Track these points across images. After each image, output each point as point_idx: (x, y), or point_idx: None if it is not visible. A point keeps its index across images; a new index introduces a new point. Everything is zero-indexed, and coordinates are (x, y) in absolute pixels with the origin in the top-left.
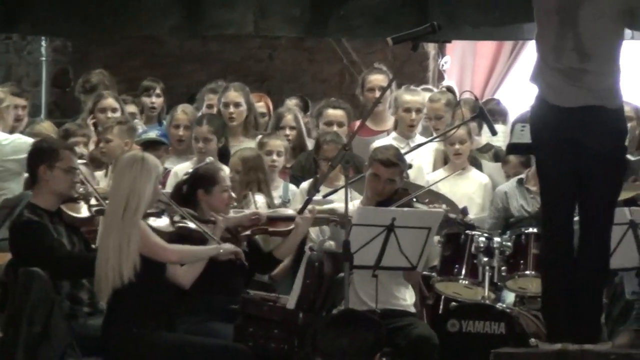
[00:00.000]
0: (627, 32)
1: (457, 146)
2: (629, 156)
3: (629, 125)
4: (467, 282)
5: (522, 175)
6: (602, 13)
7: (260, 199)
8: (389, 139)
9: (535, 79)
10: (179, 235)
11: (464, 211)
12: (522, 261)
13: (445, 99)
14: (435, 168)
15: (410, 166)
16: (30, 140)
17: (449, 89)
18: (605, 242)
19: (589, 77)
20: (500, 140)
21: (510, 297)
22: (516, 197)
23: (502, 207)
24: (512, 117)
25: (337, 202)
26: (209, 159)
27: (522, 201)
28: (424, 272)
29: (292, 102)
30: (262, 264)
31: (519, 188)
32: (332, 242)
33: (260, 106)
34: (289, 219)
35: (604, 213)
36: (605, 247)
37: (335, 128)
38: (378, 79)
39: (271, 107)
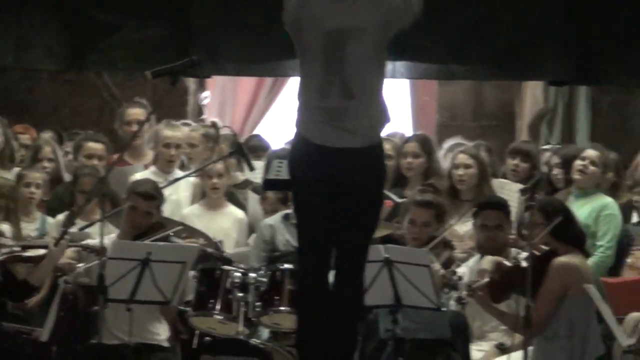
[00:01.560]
0: (389, 68)
1: (214, 180)
2: (395, 197)
3: (389, 162)
4: (221, 317)
5: (289, 211)
6: (368, 51)
7: (6, 228)
8: (148, 173)
9: (298, 116)
10: None
11: (219, 245)
12: (277, 297)
13: (204, 130)
14: (193, 202)
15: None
16: None
17: (214, 125)
18: (360, 279)
19: (352, 117)
20: (261, 176)
21: (265, 333)
22: (282, 232)
23: (268, 240)
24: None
25: (92, 236)
26: None
27: (288, 236)
28: (179, 307)
29: (46, 135)
30: (16, 292)
31: (285, 223)
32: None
33: (26, 138)
34: (43, 246)
35: (359, 250)
36: (360, 284)
37: (94, 161)
38: (136, 112)
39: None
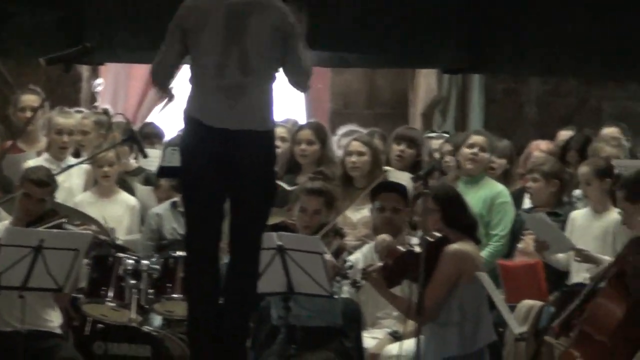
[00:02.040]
0: None
1: (105, 168)
2: (285, 185)
3: (283, 147)
4: (114, 304)
5: (176, 199)
6: (268, 28)
7: None
8: (41, 160)
9: (191, 101)
10: None
11: (111, 233)
12: (169, 284)
13: (97, 117)
14: (86, 190)
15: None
16: None
17: (105, 112)
18: (254, 266)
19: (248, 95)
20: (154, 164)
21: (157, 320)
22: (169, 220)
23: (155, 229)
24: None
25: None
26: None
27: (175, 224)
28: (72, 294)
29: None
30: None
31: (172, 211)
32: None
33: None
34: None
35: (252, 238)
36: (253, 271)
37: None
38: (30, 99)
39: None
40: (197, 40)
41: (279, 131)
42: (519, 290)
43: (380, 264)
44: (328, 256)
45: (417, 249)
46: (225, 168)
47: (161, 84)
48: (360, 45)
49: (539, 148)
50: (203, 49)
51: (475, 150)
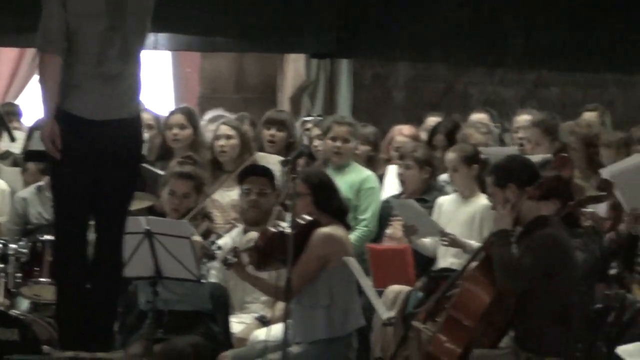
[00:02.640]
0: (151, 40)
1: None
2: (156, 170)
3: (149, 133)
4: None
5: (42, 183)
6: (144, 13)
7: None
8: None
9: (65, 95)
10: None
11: None
12: (37, 268)
13: None
14: None
15: None
16: None
17: None
18: (119, 250)
19: (125, 83)
20: (18, 146)
21: (25, 304)
22: (35, 204)
23: (21, 214)
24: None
25: None
26: None
27: (40, 208)
28: None
29: None
30: None
31: (39, 195)
32: None
33: None
34: None
35: (117, 221)
36: (119, 255)
37: None
38: None
39: None
40: (77, 25)
41: (146, 117)
42: (387, 274)
43: (251, 244)
44: (197, 237)
45: (288, 231)
46: (94, 156)
47: (57, 50)
48: (229, 29)
49: (402, 133)
50: (80, 40)
51: (337, 143)
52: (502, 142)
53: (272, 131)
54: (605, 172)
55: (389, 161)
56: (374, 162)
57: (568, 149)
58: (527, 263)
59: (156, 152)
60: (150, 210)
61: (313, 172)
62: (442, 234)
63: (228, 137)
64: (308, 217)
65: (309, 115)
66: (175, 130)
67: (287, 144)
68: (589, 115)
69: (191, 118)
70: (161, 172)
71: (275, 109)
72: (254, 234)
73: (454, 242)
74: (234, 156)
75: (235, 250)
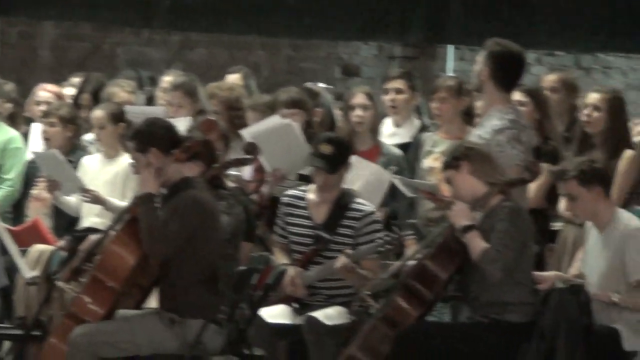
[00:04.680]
0: None
1: None
2: None
3: None
4: None
5: None
6: None
7: None
8: None
9: None
10: None
11: None
12: None
13: None
14: None
15: None
16: None
17: None
18: None
19: None
20: None
21: None
22: None
23: None
24: None
25: None
26: None
27: None
28: None
29: None
30: None
31: None
32: None
33: None
34: None
35: None
36: None
37: None
38: None
39: None
40: None
41: None
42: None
43: None
44: None
45: None
46: None
47: None
48: None
49: (45, 89)
50: None
51: None
52: (149, 103)
53: None
54: (245, 133)
55: (32, 120)
56: (17, 120)
57: (209, 112)
58: (173, 228)
59: None
60: None
61: None
62: (84, 190)
63: None
64: None
65: None
66: None
67: None
68: (232, 78)
69: None
70: None
71: None
72: None
73: (96, 199)
74: None
75: None
